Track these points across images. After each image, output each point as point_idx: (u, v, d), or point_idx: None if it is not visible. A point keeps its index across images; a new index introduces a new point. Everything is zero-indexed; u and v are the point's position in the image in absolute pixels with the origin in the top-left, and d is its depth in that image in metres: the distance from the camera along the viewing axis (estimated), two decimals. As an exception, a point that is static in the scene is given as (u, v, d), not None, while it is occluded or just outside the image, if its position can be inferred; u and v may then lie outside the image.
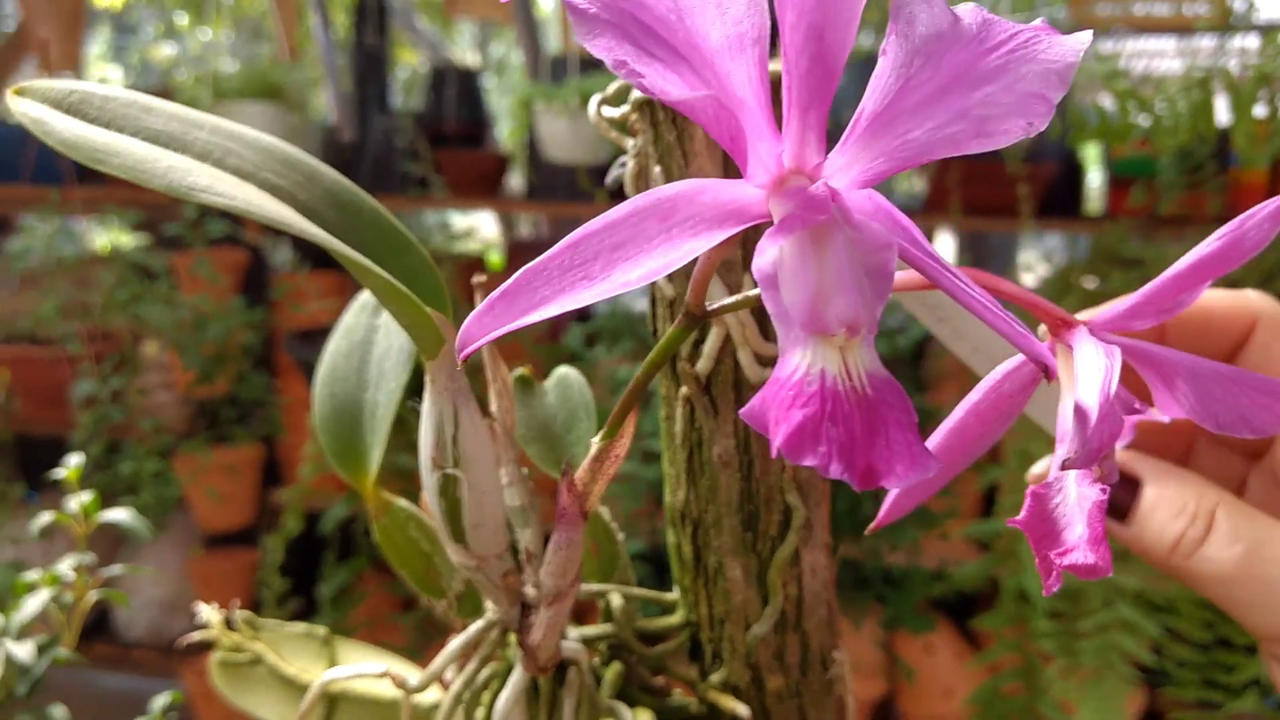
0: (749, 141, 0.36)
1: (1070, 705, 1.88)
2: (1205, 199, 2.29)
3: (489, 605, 0.63)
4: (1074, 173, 2.94)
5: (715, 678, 0.65)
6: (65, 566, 0.91)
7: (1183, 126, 1.71)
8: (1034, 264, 3.96)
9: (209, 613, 0.71)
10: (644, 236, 0.37)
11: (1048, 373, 0.39)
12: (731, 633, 0.64)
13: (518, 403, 0.63)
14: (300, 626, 0.73)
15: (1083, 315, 0.48)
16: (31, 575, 0.88)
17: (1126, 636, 1.85)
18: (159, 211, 2.92)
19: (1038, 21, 0.36)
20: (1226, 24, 2.66)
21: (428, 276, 0.57)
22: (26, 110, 0.48)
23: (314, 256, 2.97)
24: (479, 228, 4.31)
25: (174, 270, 2.83)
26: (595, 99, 0.63)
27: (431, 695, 0.65)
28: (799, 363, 0.33)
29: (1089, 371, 0.40)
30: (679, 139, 0.60)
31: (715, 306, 0.43)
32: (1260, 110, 1.94)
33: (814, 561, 0.64)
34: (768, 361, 0.61)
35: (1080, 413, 0.39)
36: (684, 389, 0.63)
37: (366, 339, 0.66)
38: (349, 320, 0.67)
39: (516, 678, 0.60)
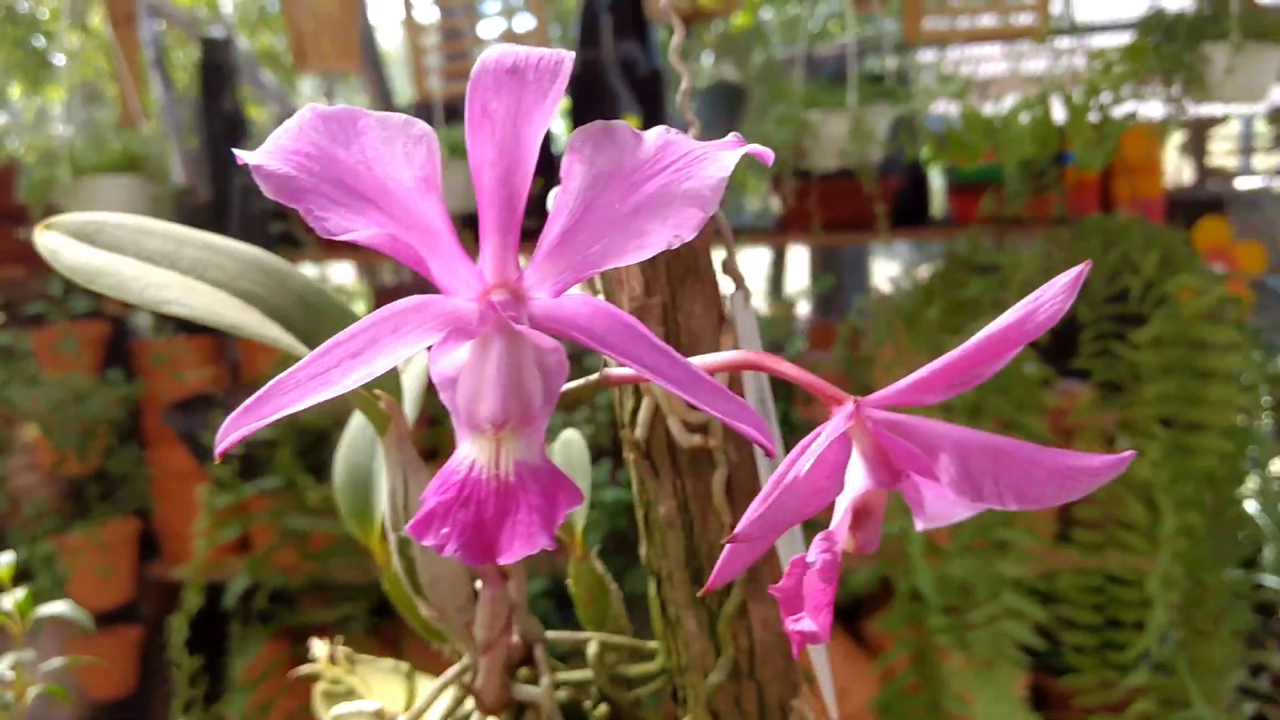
0: (446, 262, 0.42)
1: (970, 695, 1.97)
2: (1048, 200, 2.43)
3: (462, 651, 0.66)
4: (920, 183, 3.07)
5: None
6: (3, 666, 0.91)
7: (1027, 141, 1.82)
8: (891, 270, 4.10)
9: (319, 647, 0.79)
10: (378, 345, 0.42)
11: (767, 451, 0.45)
12: (694, 680, 0.68)
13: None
14: (388, 662, 0.79)
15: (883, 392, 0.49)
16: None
17: (1014, 624, 1.95)
18: (14, 290, 2.84)
19: (730, 137, 0.42)
20: (1049, 31, 2.82)
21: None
22: (46, 242, 0.53)
23: (179, 322, 2.92)
24: (335, 278, 4.28)
25: (35, 349, 2.76)
26: None
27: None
28: (458, 454, 0.40)
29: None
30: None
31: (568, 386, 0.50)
32: (1093, 116, 2.07)
33: (765, 615, 0.68)
34: (695, 428, 0.65)
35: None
36: (630, 453, 0.67)
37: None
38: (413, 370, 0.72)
39: (475, 717, 0.64)
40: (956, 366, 0.46)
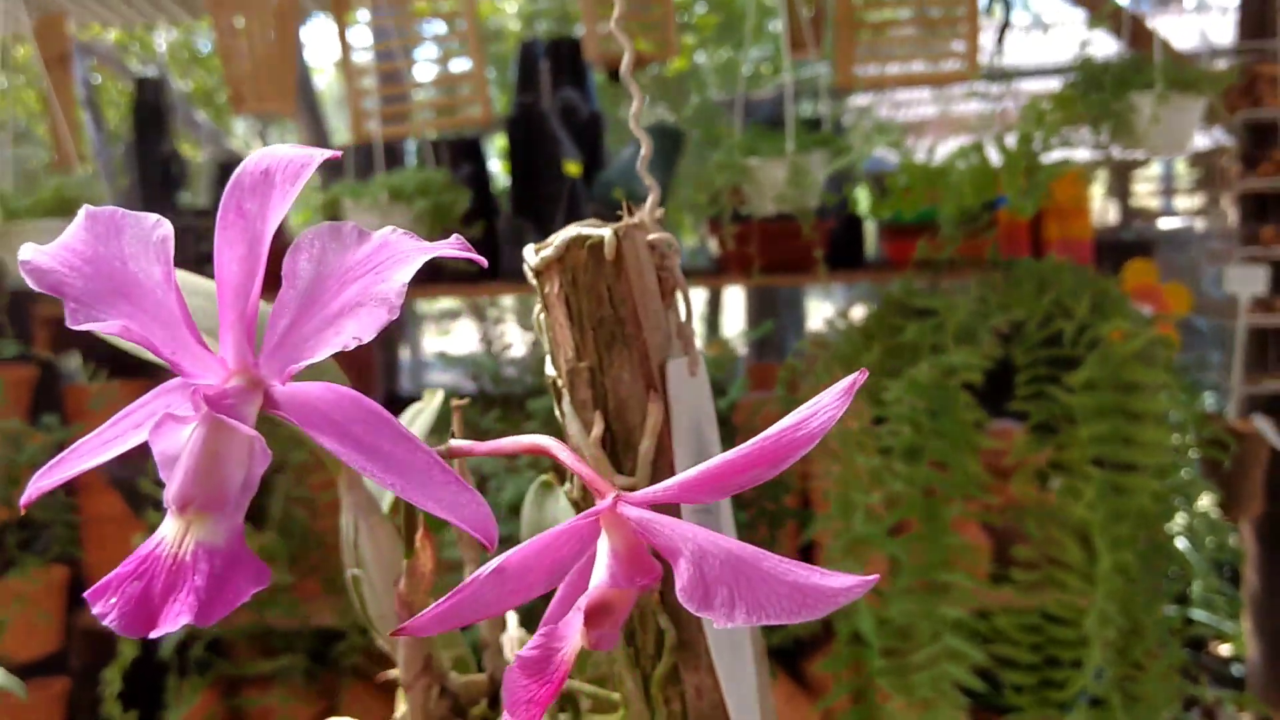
0: (190, 352, 0.46)
1: (912, 737, 1.98)
2: (980, 243, 2.47)
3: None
4: (854, 226, 3.12)
5: None
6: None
7: (966, 188, 1.85)
8: (826, 310, 4.14)
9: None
10: (137, 425, 0.47)
11: (485, 545, 0.47)
12: None
13: (532, 505, 0.69)
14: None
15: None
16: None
17: (954, 665, 1.96)
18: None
19: (453, 238, 0.44)
20: (979, 76, 2.89)
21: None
22: None
23: (113, 365, 2.88)
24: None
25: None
26: (530, 249, 0.67)
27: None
28: (157, 532, 0.43)
29: None
30: (543, 298, 0.65)
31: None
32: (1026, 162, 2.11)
33: (699, 683, 0.68)
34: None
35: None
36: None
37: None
38: None
39: None
40: (730, 470, 0.45)
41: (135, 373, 2.69)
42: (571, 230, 0.63)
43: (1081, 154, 2.51)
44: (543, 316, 0.67)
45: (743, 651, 0.69)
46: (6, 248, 2.30)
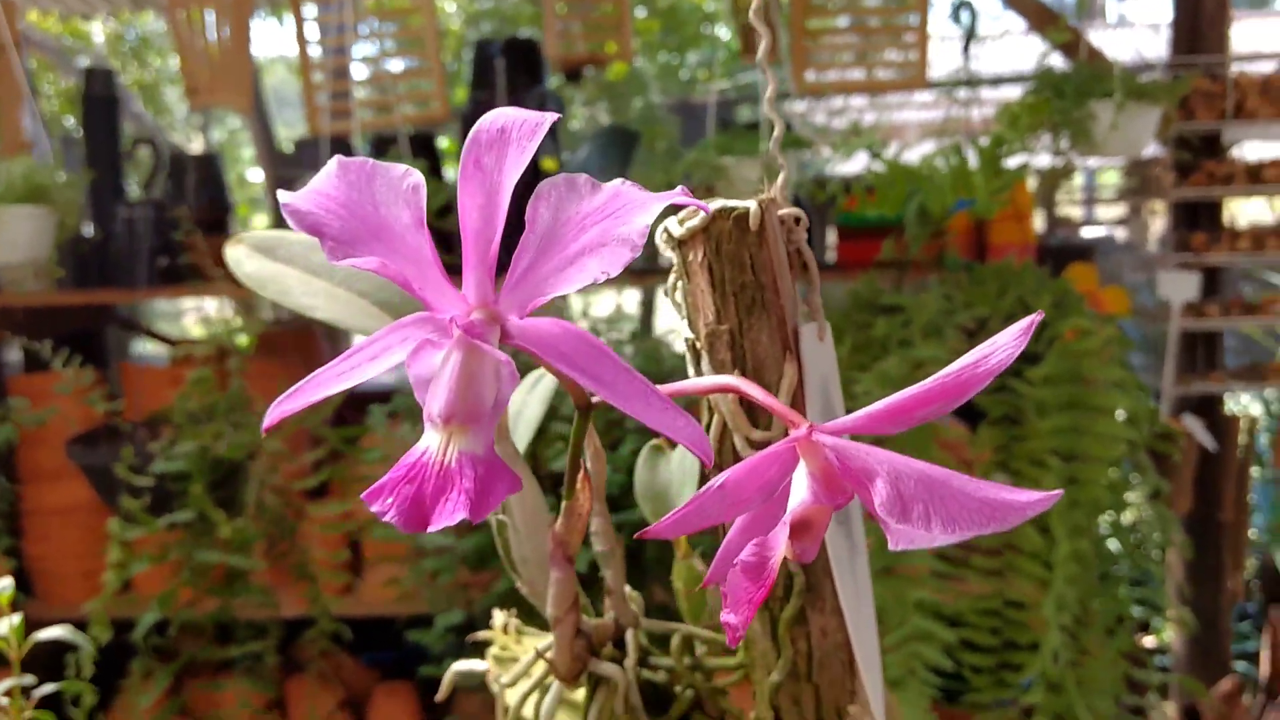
0: (432, 284, 0.51)
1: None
2: (934, 245, 2.56)
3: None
4: (811, 229, 3.19)
5: (751, 715, 0.74)
6: (-2, 691, 0.90)
7: (947, 188, 1.94)
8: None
9: (498, 618, 0.88)
10: (390, 350, 0.52)
11: (704, 461, 0.52)
12: (759, 677, 0.74)
13: (645, 466, 0.74)
14: (549, 635, 0.84)
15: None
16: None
17: (925, 645, 2.04)
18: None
19: (678, 189, 0.50)
20: (926, 84, 2.98)
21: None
22: (233, 253, 0.60)
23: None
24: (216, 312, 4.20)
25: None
26: (673, 220, 0.71)
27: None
28: (419, 442, 0.48)
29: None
30: (684, 266, 0.70)
31: (596, 400, 0.59)
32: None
33: (824, 625, 0.73)
34: (757, 444, 0.71)
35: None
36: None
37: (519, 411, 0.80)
38: (517, 396, 0.80)
39: (555, 686, 0.72)
40: (912, 404, 0.50)
41: (86, 364, 2.66)
42: (717, 202, 0.68)
43: (1042, 161, 2.62)
44: (680, 284, 0.72)
45: (866, 595, 0.74)
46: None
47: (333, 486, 2.67)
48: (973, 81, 2.68)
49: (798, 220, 0.72)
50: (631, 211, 0.48)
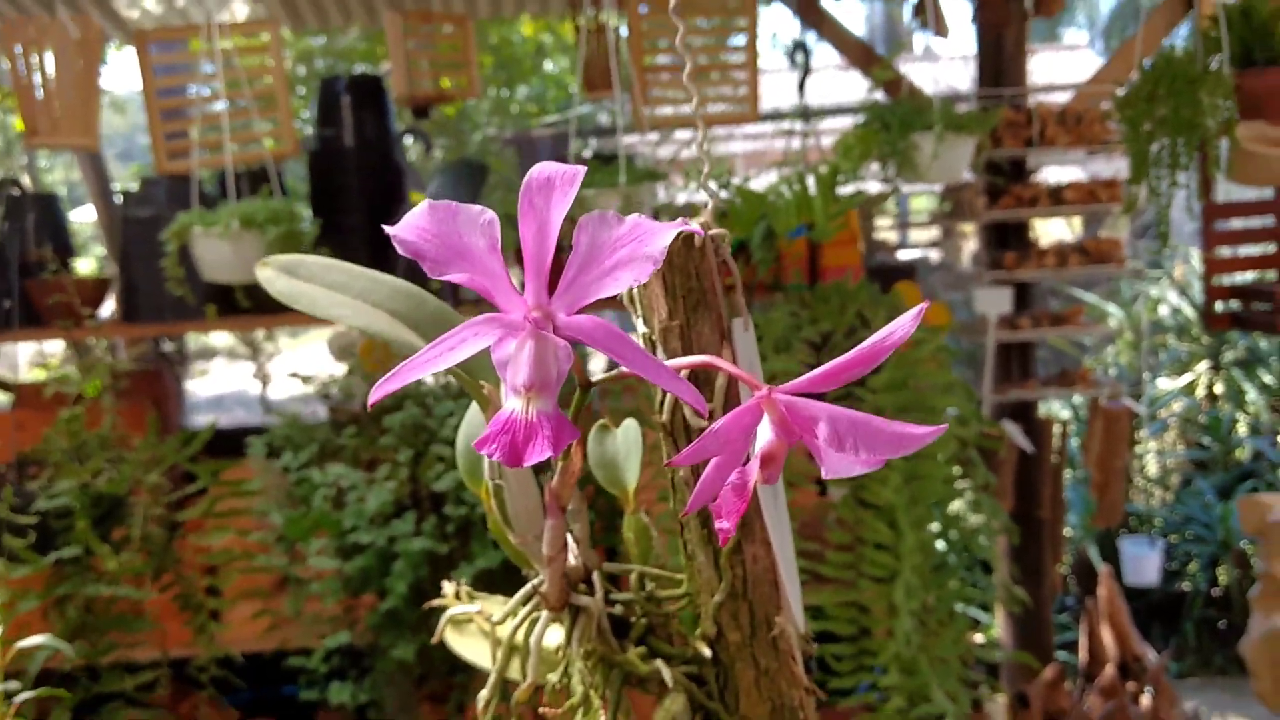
0: (502, 292, 0.68)
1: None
2: (774, 268, 2.75)
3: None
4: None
5: (697, 631, 0.89)
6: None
7: (792, 213, 2.11)
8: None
9: (448, 587, 1.01)
10: (465, 342, 0.68)
11: (698, 411, 0.72)
12: (704, 600, 0.90)
13: (594, 441, 0.91)
14: (500, 597, 1.00)
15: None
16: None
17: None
18: None
19: (678, 220, 0.68)
20: (757, 117, 3.18)
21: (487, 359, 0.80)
22: (263, 273, 0.72)
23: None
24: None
25: None
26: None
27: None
28: (504, 407, 0.66)
29: None
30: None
31: (596, 379, 0.78)
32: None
33: (755, 553, 0.89)
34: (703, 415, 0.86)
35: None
36: (660, 430, 0.87)
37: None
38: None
39: (544, 615, 0.90)
40: (839, 369, 0.68)
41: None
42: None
43: (872, 186, 2.83)
44: (637, 289, 0.87)
45: (785, 529, 0.91)
46: None
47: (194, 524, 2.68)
48: (807, 114, 2.89)
49: (724, 239, 0.88)
50: (653, 236, 0.64)
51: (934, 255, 5.22)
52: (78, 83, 3.07)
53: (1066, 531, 4.89)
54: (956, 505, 2.52)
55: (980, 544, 2.48)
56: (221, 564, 2.38)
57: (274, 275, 0.83)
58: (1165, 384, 5.99)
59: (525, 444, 0.63)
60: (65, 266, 3.36)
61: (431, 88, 3.31)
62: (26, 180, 4.56)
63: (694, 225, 0.72)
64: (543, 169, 0.65)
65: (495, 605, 0.97)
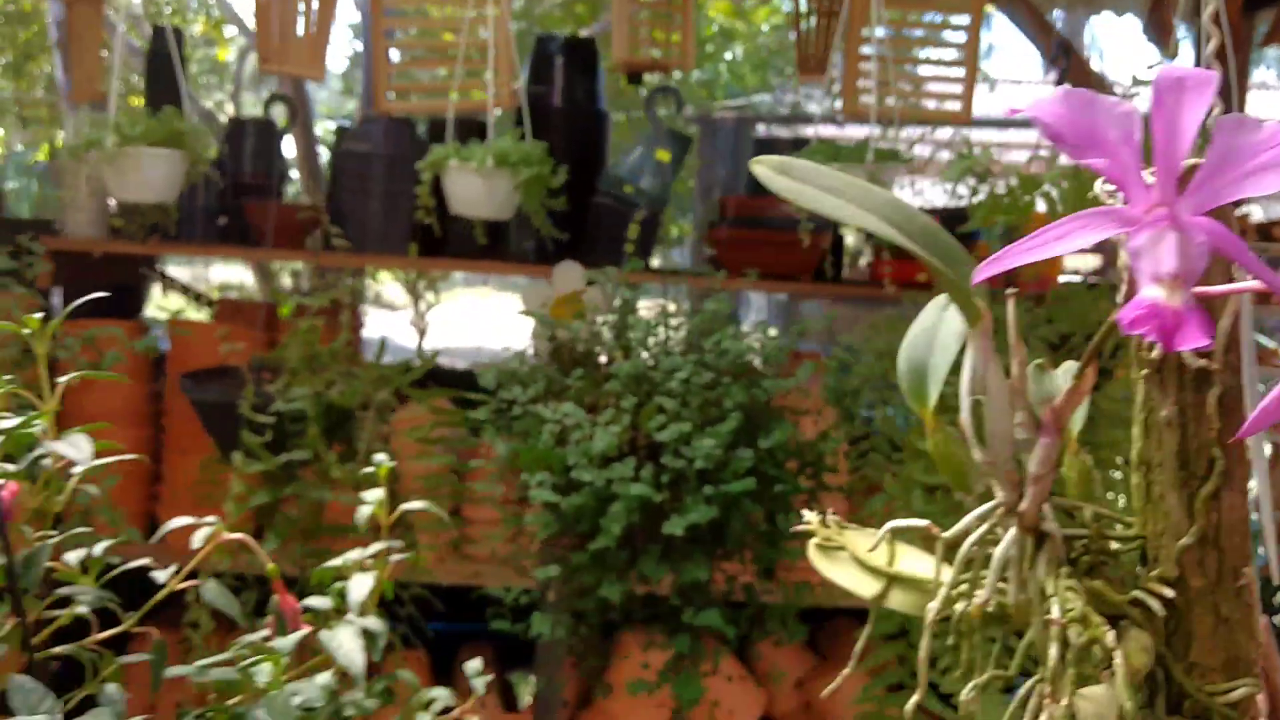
0: (1131, 185, 0.68)
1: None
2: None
3: (998, 491, 0.88)
4: (838, 243, 3.37)
5: (1154, 573, 0.90)
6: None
7: (1069, 205, 2.12)
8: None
9: (811, 516, 0.98)
10: (1072, 233, 0.68)
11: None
12: (1168, 542, 0.90)
13: (1033, 380, 0.92)
14: (870, 530, 0.98)
15: None
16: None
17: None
18: None
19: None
20: (969, 119, 3.18)
21: (968, 275, 0.82)
22: (759, 170, 0.84)
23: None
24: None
25: None
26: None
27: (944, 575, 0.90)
28: (1143, 294, 0.66)
29: None
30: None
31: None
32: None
33: (1232, 501, 0.89)
34: (1201, 353, 0.87)
35: None
36: (1144, 370, 0.87)
37: (935, 326, 0.92)
38: (927, 313, 0.91)
39: (1009, 535, 0.88)
40: None
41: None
42: None
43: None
44: None
45: (1265, 476, 0.92)
46: (117, 170, 2.41)
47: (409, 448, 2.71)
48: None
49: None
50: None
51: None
52: (316, 12, 3.15)
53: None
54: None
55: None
56: (430, 489, 2.43)
57: (771, 174, 0.85)
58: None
59: (1174, 330, 0.65)
60: (279, 193, 3.45)
61: (649, 56, 3.34)
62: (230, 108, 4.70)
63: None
64: (1172, 69, 0.67)
65: (862, 537, 0.98)
